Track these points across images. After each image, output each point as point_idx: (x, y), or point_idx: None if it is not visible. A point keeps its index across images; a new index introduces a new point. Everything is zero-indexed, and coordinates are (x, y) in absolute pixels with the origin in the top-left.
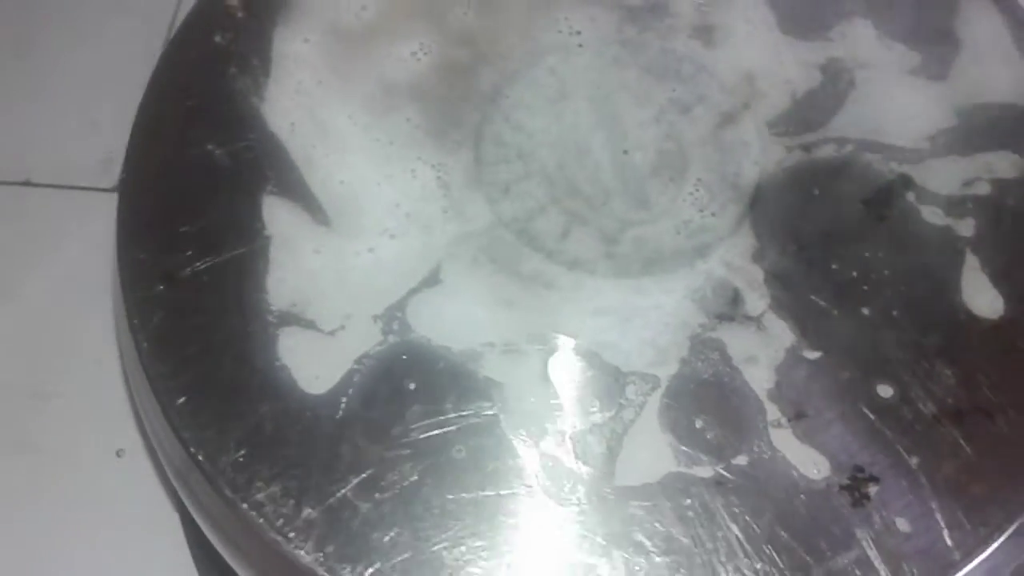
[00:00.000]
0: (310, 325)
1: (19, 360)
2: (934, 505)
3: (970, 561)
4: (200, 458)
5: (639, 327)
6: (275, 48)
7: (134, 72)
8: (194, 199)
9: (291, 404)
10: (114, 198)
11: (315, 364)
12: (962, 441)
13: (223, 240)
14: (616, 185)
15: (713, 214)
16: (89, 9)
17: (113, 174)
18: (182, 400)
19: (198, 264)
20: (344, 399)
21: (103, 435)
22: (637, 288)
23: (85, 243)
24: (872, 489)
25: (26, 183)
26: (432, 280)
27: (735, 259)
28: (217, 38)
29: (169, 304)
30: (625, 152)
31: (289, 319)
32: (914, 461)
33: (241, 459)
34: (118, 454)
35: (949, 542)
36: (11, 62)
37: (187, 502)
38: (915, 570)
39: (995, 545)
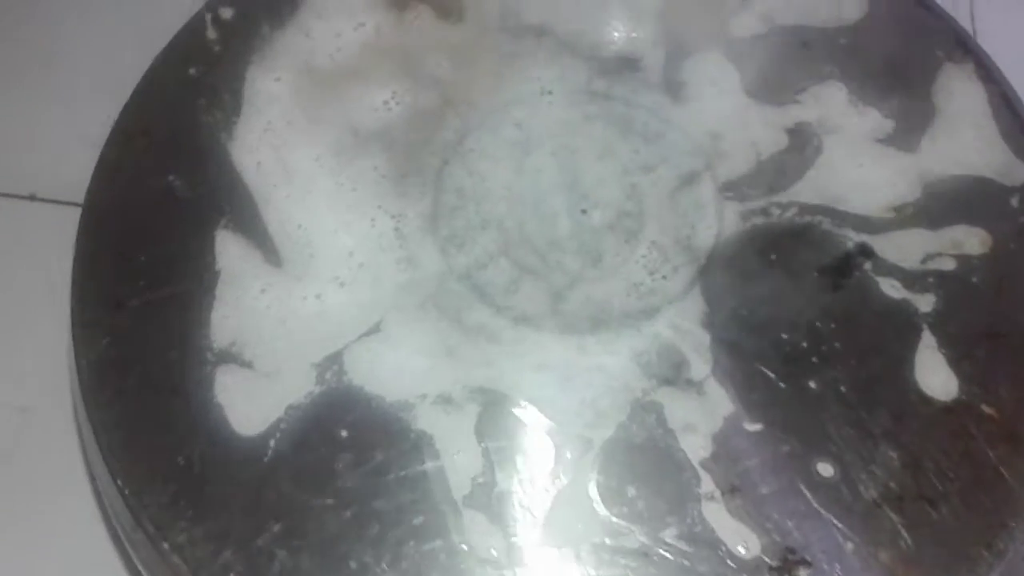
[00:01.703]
0: (248, 365)
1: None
2: None
3: None
4: (127, 492)
5: (580, 387)
6: (247, 85)
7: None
8: (151, 229)
9: (221, 444)
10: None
11: (249, 405)
12: (901, 528)
13: (174, 272)
14: (570, 241)
15: (664, 276)
16: (96, 23)
17: None
18: (116, 430)
19: (147, 294)
20: (273, 442)
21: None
22: (581, 346)
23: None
24: (803, 573)
25: (32, 198)
26: (375, 329)
27: (683, 322)
28: (192, 71)
29: (114, 331)
30: (583, 211)
31: (228, 357)
32: (849, 546)
33: (167, 497)
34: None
35: None
36: (22, 76)
37: (118, 530)
38: None
39: None
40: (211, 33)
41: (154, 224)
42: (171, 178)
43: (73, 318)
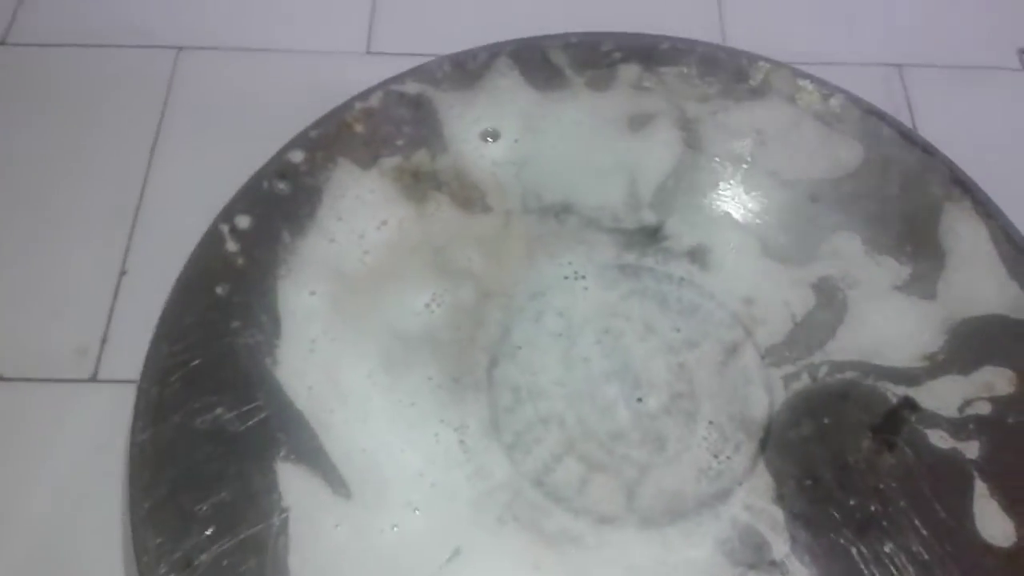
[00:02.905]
0: None
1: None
2: None
3: None
4: None
5: None
6: (281, 302)
7: (99, 261)
8: (207, 472)
9: None
10: (92, 388)
11: None
12: None
13: (240, 516)
14: (632, 431)
15: (728, 457)
16: (50, 195)
17: (87, 364)
18: None
19: (216, 546)
20: None
21: None
22: (665, 541)
23: (69, 435)
24: None
25: None
26: (457, 552)
27: (756, 501)
28: (219, 290)
29: None
30: (639, 400)
31: None
32: None
33: None
34: None
35: None
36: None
37: None
38: None
39: None
40: (231, 245)
41: (209, 466)
42: (219, 411)
43: None
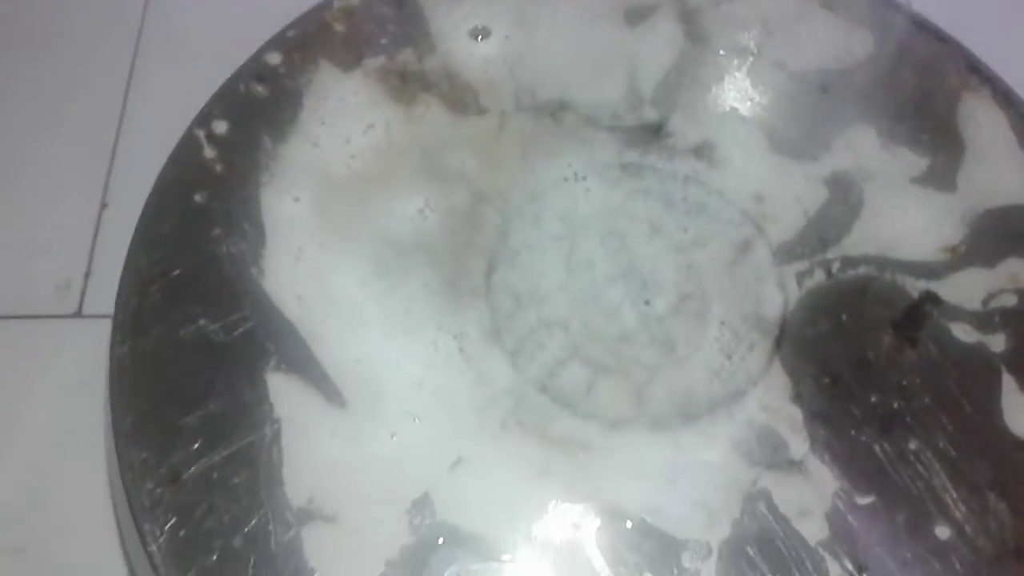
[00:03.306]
0: (331, 520)
1: None
2: None
3: None
4: None
5: (686, 488)
6: (265, 210)
7: (79, 195)
8: (192, 384)
9: None
10: (77, 323)
11: (344, 564)
12: None
13: (229, 429)
14: (640, 334)
15: (742, 357)
16: (26, 128)
17: (71, 299)
18: None
19: (205, 459)
20: None
21: None
22: (677, 444)
23: (55, 371)
24: None
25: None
26: (460, 460)
27: (772, 401)
28: (197, 197)
29: (179, 508)
30: (647, 302)
31: (310, 515)
32: None
33: None
34: None
35: None
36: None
37: None
38: None
39: None
40: (208, 152)
41: (194, 378)
42: (202, 323)
43: (130, 500)
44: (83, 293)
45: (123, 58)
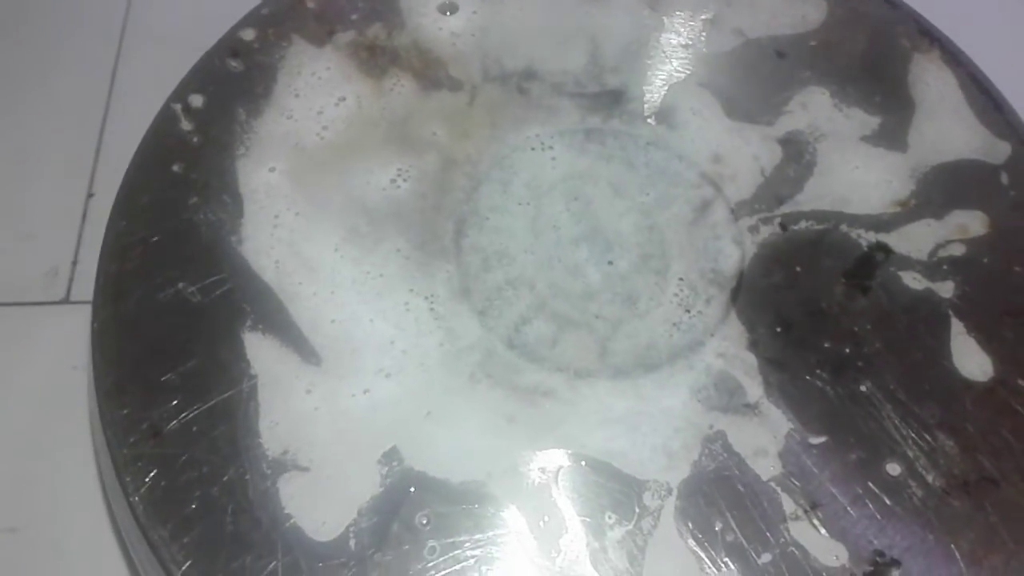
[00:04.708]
0: (306, 470)
1: None
2: None
3: None
4: None
5: (648, 433)
6: (241, 179)
7: (67, 183)
8: (171, 343)
9: (302, 554)
10: (65, 309)
11: (320, 511)
12: (974, 512)
13: (208, 385)
14: (603, 291)
15: (700, 311)
16: (13, 119)
17: (59, 286)
18: (188, 564)
19: (184, 414)
20: (354, 544)
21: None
22: (639, 392)
23: (43, 357)
24: (895, 573)
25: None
26: (430, 413)
27: (729, 349)
28: (175, 167)
29: (160, 461)
30: (610, 263)
31: (285, 465)
32: (930, 539)
33: None
34: None
35: None
36: None
37: None
38: None
39: None
40: (185, 124)
41: (173, 338)
42: (181, 286)
43: (112, 455)
44: (71, 280)
45: (109, 48)
